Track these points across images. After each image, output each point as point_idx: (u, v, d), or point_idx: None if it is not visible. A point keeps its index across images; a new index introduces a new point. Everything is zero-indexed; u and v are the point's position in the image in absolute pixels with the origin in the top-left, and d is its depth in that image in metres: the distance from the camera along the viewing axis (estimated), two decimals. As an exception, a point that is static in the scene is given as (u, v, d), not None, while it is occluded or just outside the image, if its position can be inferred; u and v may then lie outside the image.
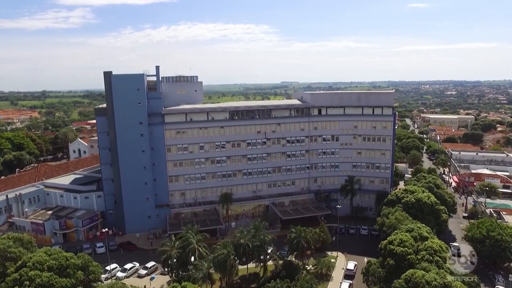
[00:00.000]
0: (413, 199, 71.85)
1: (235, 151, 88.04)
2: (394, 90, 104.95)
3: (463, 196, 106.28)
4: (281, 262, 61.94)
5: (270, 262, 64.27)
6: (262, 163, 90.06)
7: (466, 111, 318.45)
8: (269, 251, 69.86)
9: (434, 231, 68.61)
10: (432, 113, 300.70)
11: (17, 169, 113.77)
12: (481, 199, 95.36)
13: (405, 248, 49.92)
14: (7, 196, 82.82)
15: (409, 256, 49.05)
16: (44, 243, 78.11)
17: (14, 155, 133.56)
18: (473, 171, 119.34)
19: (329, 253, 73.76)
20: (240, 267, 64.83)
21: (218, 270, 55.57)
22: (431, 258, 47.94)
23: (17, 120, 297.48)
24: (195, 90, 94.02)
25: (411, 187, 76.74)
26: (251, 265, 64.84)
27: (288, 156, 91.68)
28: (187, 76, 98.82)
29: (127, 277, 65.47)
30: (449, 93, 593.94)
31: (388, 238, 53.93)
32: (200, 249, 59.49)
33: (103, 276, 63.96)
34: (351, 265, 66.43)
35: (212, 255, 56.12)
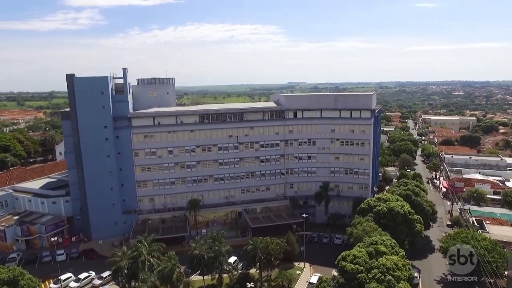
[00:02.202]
0: (385, 208, 68.01)
1: (206, 155, 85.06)
2: (374, 92, 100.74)
3: (453, 203, 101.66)
4: (236, 274, 58.72)
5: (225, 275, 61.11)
6: (235, 168, 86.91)
7: (471, 112, 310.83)
8: (232, 261, 67.36)
9: (406, 243, 65.53)
10: (437, 114, 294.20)
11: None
12: (468, 206, 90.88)
13: (357, 266, 46.34)
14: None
15: (359, 275, 45.45)
16: (5, 250, 76.59)
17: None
18: (464, 176, 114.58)
19: (296, 264, 70.33)
20: (196, 278, 62.23)
21: (163, 284, 52.57)
22: (383, 277, 44.26)
23: (22, 121, 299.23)
24: (167, 93, 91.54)
25: (385, 195, 72.87)
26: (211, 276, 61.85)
27: (262, 161, 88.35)
28: (163, 78, 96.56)
29: (80, 287, 62.99)
30: (456, 93, 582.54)
31: (342, 254, 50.35)
32: (151, 260, 56.71)
33: (54, 286, 62.03)
34: (314, 279, 62.71)
35: (158, 267, 53.14)
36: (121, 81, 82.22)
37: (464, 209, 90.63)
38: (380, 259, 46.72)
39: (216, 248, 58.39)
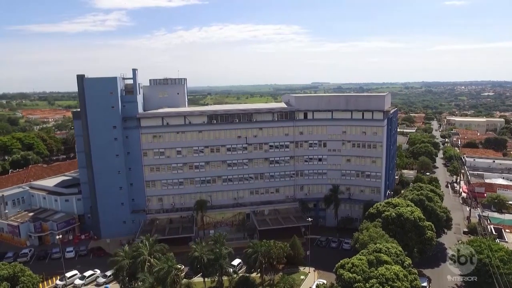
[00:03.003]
0: (394, 214, 65.38)
1: (214, 156, 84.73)
2: (388, 93, 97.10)
3: (471, 209, 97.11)
4: (237, 277, 57.93)
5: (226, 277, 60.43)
6: (243, 169, 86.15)
7: (501, 114, 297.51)
8: (236, 263, 66.69)
9: (415, 250, 62.88)
10: (463, 116, 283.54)
11: (9, 170, 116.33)
12: (487, 213, 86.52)
13: (354, 275, 44.48)
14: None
15: (356, 284, 43.57)
16: (19, 246, 78.93)
17: (21, 155, 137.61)
18: (486, 181, 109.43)
19: (301, 268, 68.83)
20: (198, 280, 61.95)
21: (159, 285, 52.41)
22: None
23: (51, 119, 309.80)
24: (178, 93, 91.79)
25: (395, 200, 70.13)
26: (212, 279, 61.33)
27: (271, 162, 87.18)
28: (175, 79, 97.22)
29: (85, 285, 63.97)
30: (486, 94, 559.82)
31: (341, 261, 48.60)
32: (152, 260, 56.80)
33: (60, 282, 63.26)
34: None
35: (156, 268, 53.03)
36: (131, 81, 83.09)
37: (483, 215, 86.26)
38: (380, 268, 44.74)
39: (217, 250, 57.78)
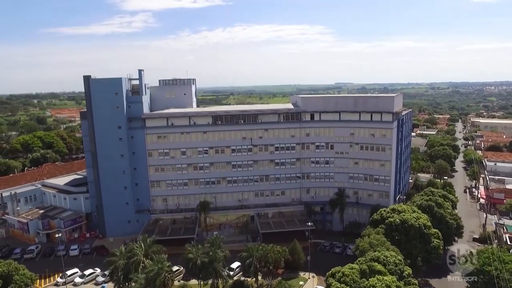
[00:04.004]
0: (398, 220, 62.72)
1: (219, 157, 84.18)
2: (399, 94, 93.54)
3: (489, 216, 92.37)
4: (231, 281, 57.00)
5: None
6: (248, 170, 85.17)
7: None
8: (235, 266, 65.81)
9: (419, 259, 60.16)
10: (490, 117, 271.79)
11: (25, 168, 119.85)
12: (503, 221, 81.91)
13: (343, 285, 42.63)
14: (1, 194, 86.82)
15: (344, 295, 41.79)
16: (28, 242, 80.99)
17: (41, 153, 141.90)
18: (507, 186, 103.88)
19: (301, 274, 67.17)
20: (193, 282, 61.45)
21: (149, 286, 52.10)
22: (370, 299, 40.31)
23: (77, 118, 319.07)
24: (184, 94, 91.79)
25: (400, 206, 67.32)
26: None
27: (277, 164, 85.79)
28: (184, 79, 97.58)
29: (84, 283, 64.75)
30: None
31: (332, 269, 46.78)
32: (145, 261, 56.67)
33: (60, 280, 64.29)
34: (315, 291, 59.51)
35: (146, 270, 52.79)
36: (138, 82, 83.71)
37: (500, 223, 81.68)
38: (371, 279, 42.67)
39: (211, 253, 57.02)
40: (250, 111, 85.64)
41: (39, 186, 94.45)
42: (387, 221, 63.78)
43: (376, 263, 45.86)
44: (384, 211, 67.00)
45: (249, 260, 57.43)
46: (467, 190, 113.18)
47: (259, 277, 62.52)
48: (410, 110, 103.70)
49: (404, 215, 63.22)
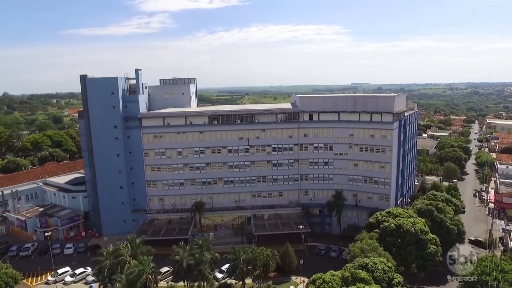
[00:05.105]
0: (393, 225, 60.43)
1: (215, 157, 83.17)
2: (401, 93, 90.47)
3: (498, 221, 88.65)
4: (216, 284, 55.86)
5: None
6: (245, 171, 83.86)
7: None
8: (225, 268, 64.61)
9: (413, 266, 57.76)
10: (510, 118, 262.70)
11: (30, 167, 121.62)
12: (510, 227, 78.31)
13: (322, 292, 40.89)
14: (2, 192, 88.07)
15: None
16: (26, 240, 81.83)
17: (49, 152, 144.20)
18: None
19: (293, 278, 65.48)
20: (181, 284, 60.56)
21: (131, 288, 51.43)
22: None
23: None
24: (183, 93, 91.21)
25: (396, 210, 64.86)
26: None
27: (274, 165, 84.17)
28: (184, 79, 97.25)
29: (74, 282, 64.74)
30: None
31: (313, 276, 45.04)
32: (131, 262, 56.09)
33: (51, 278, 64.42)
34: (304, 296, 57.79)
35: (127, 271, 52.14)
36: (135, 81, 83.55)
37: (507, 229, 78.07)
38: (352, 287, 40.76)
39: (197, 255, 56.02)
40: (247, 111, 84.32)
41: (41, 184, 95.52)
42: (382, 225, 61.56)
43: (360, 271, 43.98)
44: (380, 214, 64.80)
45: (235, 262, 56.14)
46: (477, 194, 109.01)
47: (250, 280, 61.35)
48: (416, 110, 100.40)
49: (399, 220, 60.87)
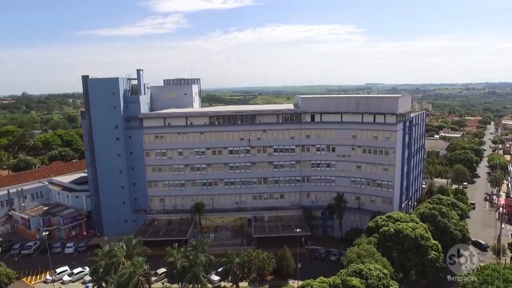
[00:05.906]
0: (392, 230, 58.72)
1: (216, 158, 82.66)
2: (405, 94, 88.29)
3: (509, 226, 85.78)
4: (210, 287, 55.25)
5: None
6: (246, 172, 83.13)
7: None
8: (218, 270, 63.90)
9: (412, 273, 56.04)
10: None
11: (37, 165, 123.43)
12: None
13: (310, 298, 39.76)
14: (8, 190, 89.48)
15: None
16: (29, 238, 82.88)
17: (59, 151, 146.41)
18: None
19: (291, 281, 64.38)
20: (176, 286, 60.20)
21: (124, 290, 51.21)
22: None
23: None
24: (185, 94, 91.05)
25: (397, 214, 63.09)
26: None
27: (276, 166, 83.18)
28: (187, 79, 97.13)
29: (72, 281, 65.07)
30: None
31: (302, 282, 43.89)
32: (125, 263, 56.00)
33: (49, 278, 64.89)
34: (299, 301, 56.54)
35: (119, 273, 51.95)
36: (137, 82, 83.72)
37: (516, 236, 75.28)
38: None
39: (191, 257, 55.51)
40: (248, 111, 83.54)
41: (46, 183, 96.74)
42: (381, 230, 59.92)
43: (353, 278, 42.71)
44: (380, 218, 63.15)
45: (228, 266, 55.43)
46: (488, 198, 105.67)
47: (246, 283, 60.62)
48: (423, 111, 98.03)
49: (399, 224, 59.13)
